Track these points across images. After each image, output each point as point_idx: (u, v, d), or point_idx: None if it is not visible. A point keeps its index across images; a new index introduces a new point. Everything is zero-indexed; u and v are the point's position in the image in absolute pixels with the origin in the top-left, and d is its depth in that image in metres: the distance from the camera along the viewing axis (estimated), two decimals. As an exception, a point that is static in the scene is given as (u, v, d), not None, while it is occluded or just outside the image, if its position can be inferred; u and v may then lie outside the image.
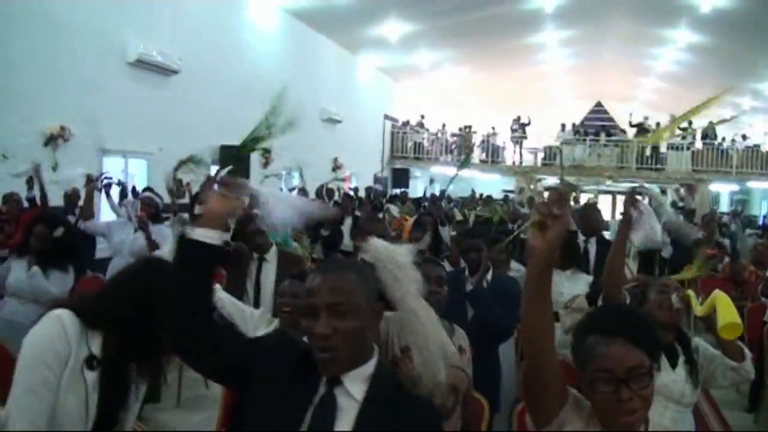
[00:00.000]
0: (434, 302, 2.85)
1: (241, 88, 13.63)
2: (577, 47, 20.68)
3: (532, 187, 22.71)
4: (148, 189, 8.76)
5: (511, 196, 19.56)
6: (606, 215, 29.56)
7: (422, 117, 24.35)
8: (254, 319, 3.50)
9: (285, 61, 15.69)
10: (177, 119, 11.61)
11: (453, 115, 25.61)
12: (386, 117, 23.51)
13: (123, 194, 8.64)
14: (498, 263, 5.14)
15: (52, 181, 7.82)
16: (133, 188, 9.00)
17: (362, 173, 20.81)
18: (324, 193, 12.68)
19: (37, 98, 8.90)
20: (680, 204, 21.02)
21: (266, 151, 14.66)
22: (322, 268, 1.82)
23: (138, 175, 10.95)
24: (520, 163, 23.30)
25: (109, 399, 2.11)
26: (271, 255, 4.58)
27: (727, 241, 12.07)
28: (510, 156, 23.73)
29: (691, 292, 3.00)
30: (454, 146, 24.11)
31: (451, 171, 24.52)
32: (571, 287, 4.81)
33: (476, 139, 23.83)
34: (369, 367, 1.73)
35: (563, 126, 23.26)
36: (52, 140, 9.06)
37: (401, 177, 23.61)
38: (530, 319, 1.77)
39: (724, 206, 24.77)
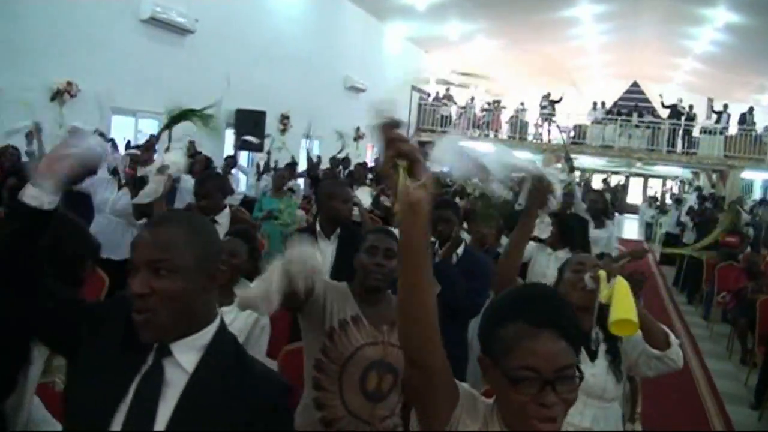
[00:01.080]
0: (380, 276, 2.68)
1: (260, 51, 13.42)
2: (612, 23, 20.03)
3: (559, 166, 22.45)
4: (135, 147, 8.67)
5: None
6: (637, 198, 29.14)
7: (448, 89, 23.92)
8: None
9: (307, 26, 15.42)
10: (191, 80, 11.40)
11: (482, 89, 25.16)
12: (413, 88, 23.13)
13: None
14: (484, 239, 4.90)
15: (58, 136, 7.72)
16: (128, 143, 8.84)
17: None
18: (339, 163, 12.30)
19: (44, 53, 8.79)
20: (711, 190, 20.59)
21: (285, 117, 14.52)
22: (151, 222, 1.61)
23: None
24: (549, 141, 22.84)
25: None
26: (223, 217, 4.40)
27: (751, 231, 11.65)
28: (539, 133, 23.26)
29: (602, 273, 2.58)
30: (482, 121, 23.68)
31: (479, 146, 24.26)
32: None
33: (504, 115, 23.41)
34: (204, 336, 1.53)
35: (594, 104, 22.72)
36: (58, 95, 8.96)
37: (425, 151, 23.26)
38: (411, 296, 1.42)
39: (757, 195, 24.10)
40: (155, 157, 6.13)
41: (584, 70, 26.23)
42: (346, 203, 4.19)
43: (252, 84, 13.05)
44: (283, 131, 14.46)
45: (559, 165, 23.04)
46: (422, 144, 23.47)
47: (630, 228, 23.46)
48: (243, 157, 12.64)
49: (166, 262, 1.47)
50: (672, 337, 2.67)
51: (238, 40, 12.68)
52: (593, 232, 7.03)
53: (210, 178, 4.91)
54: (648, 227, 20.90)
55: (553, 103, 22.44)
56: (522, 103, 23.25)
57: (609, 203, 8.05)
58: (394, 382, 2.66)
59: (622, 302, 2.38)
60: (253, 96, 12.74)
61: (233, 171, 10.11)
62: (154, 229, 1.54)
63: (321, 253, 3.99)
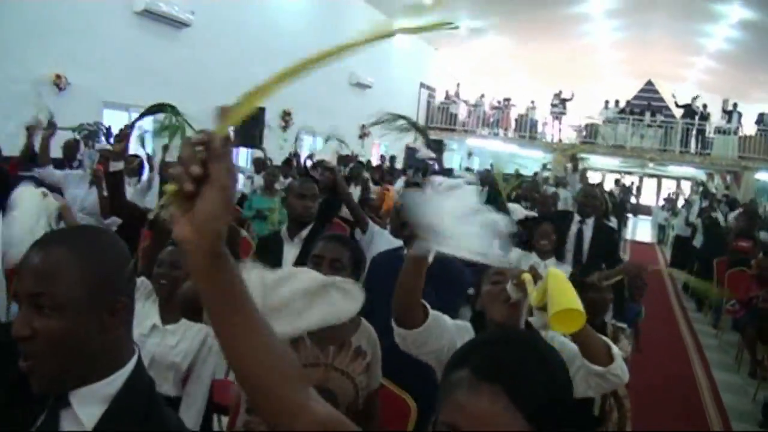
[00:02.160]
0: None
1: (260, 46, 13.11)
2: (624, 19, 19.60)
3: (568, 165, 22.07)
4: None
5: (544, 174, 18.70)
6: (651, 200, 28.70)
7: (458, 86, 23.56)
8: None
9: (310, 21, 15.10)
10: (188, 75, 11.15)
11: (491, 86, 24.78)
12: (422, 85, 22.81)
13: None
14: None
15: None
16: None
17: (393, 142, 20.20)
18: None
19: (31, 44, 8.52)
20: (725, 192, 20.11)
21: (286, 114, 14.24)
22: (35, 243, 1.26)
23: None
24: (559, 140, 22.46)
25: None
26: None
27: (764, 235, 11.22)
28: (549, 132, 22.90)
29: (527, 276, 2.18)
30: (491, 119, 23.33)
31: (489, 144, 24.04)
32: None
33: (514, 113, 23.05)
34: (111, 385, 1.24)
35: (606, 103, 22.30)
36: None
37: (436, 148, 22.93)
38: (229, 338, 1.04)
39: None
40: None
41: (596, 68, 25.79)
42: (301, 199, 3.84)
43: (251, 79, 12.48)
44: (285, 128, 14.19)
45: (569, 165, 22.69)
46: (433, 142, 23.21)
47: (643, 230, 23.05)
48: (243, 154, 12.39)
49: (48, 296, 1.16)
50: (614, 349, 2.24)
51: (236, 34, 12.39)
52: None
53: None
54: (661, 229, 20.48)
55: (564, 101, 22.05)
56: (532, 102, 22.87)
57: (608, 202, 7.68)
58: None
59: (559, 293, 1.99)
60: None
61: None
62: (37, 252, 1.21)
63: (283, 257, 3.72)
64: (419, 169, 15.49)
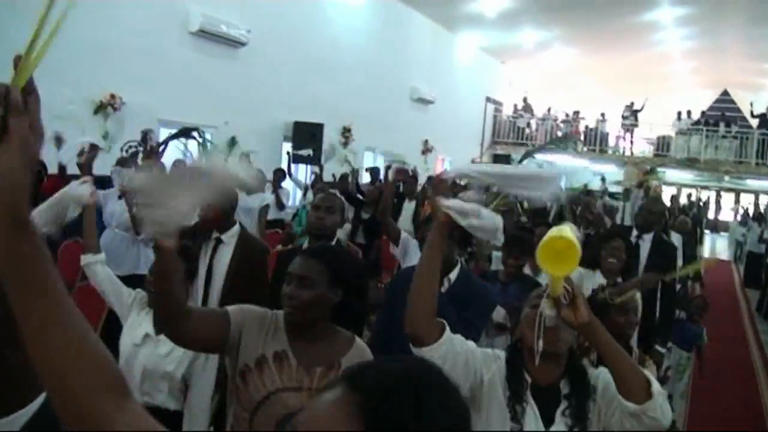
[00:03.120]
0: (290, 309, 2.21)
1: (319, 62, 13.14)
2: (696, 27, 18.82)
3: (643, 179, 21.37)
4: (179, 161, 8.42)
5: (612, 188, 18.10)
6: (728, 215, 27.57)
7: (525, 100, 23.14)
8: (129, 301, 3.07)
9: (370, 36, 15.04)
10: (245, 93, 11.23)
11: (562, 99, 24.28)
12: (488, 99, 22.51)
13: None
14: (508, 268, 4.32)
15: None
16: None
17: (457, 158, 19.97)
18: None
19: (87, 65, 8.69)
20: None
21: (346, 130, 14.18)
22: None
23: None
24: (631, 153, 21.80)
25: None
26: (230, 237, 3.84)
27: None
28: (620, 145, 22.26)
29: (559, 287, 1.90)
30: (560, 132, 22.83)
31: (558, 158, 23.51)
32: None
33: (583, 126, 22.51)
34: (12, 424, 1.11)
35: (679, 114, 21.51)
36: (101, 108, 8.87)
37: (502, 164, 22.58)
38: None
39: None
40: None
41: (669, 79, 24.95)
42: (314, 210, 3.69)
43: (310, 96, 12.79)
44: (345, 144, 14.14)
45: (643, 178, 22.03)
46: (499, 157, 22.87)
47: (720, 247, 22.12)
48: (300, 170, 12.36)
49: None
50: (656, 386, 1.89)
51: (294, 51, 12.41)
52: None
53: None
54: (738, 246, 19.57)
55: (635, 112, 21.39)
56: (602, 114, 22.28)
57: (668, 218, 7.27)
58: None
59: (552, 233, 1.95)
60: (311, 108, 12.48)
61: (283, 185, 9.85)
62: None
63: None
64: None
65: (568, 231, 1.90)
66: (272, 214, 8.99)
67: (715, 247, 23.26)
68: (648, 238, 5.56)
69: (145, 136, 7.60)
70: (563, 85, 25.52)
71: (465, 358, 2.08)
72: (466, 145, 21.00)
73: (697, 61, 23.08)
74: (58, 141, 6.66)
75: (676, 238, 7.71)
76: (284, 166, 11.85)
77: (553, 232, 1.93)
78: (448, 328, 2.09)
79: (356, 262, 2.69)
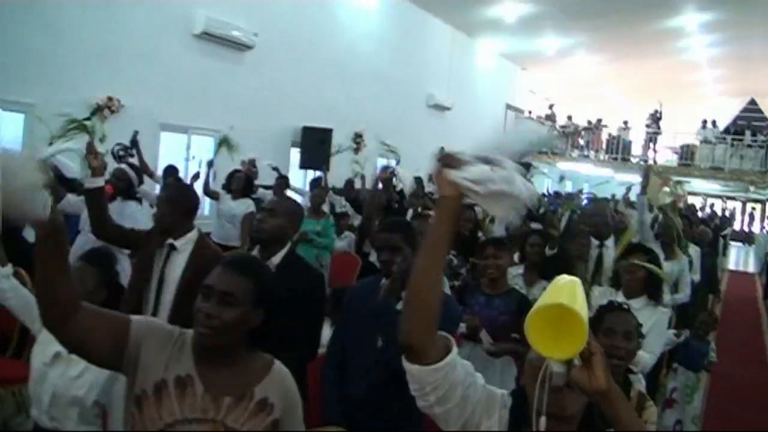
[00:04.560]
0: (206, 330, 1.88)
1: (330, 68, 12.89)
2: (722, 34, 18.29)
3: (666, 189, 20.87)
4: (171, 167, 8.22)
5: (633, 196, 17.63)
6: (756, 227, 26.99)
7: (551, 108, 22.72)
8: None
9: (384, 42, 14.76)
10: (251, 97, 11.00)
11: (584, 107, 23.85)
12: (509, 107, 22.12)
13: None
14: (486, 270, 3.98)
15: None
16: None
17: (476, 165, 19.61)
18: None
19: (83, 67, 8.53)
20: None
21: (358, 136, 13.91)
22: None
23: (205, 153, 10.42)
24: (654, 161, 21.30)
25: None
26: (185, 243, 3.52)
27: None
28: (644, 154, 21.78)
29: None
30: (582, 140, 22.40)
31: (581, 167, 23.06)
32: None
33: (606, 134, 22.08)
34: None
35: (704, 123, 20.97)
36: (98, 111, 8.67)
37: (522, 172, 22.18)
38: None
39: None
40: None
41: (694, 87, 24.40)
42: (260, 211, 3.41)
43: (321, 101, 12.54)
44: (357, 150, 13.86)
45: (666, 189, 21.58)
46: (523, 165, 22.44)
47: (741, 259, 21.54)
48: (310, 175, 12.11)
49: None
50: (650, 409, 1.70)
51: (304, 55, 12.15)
52: (663, 265, 6.05)
53: (172, 188, 4.06)
54: (766, 258, 19.00)
55: (657, 120, 20.92)
56: (625, 122, 21.81)
57: (680, 231, 6.90)
58: None
59: (551, 292, 1.46)
60: (322, 113, 12.22)
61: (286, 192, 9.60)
62: None
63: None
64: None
65: (573, 294, 1.42)
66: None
67: (741, 259, 22.66)
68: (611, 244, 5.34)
69: (135, 137, 7.40)
70: (585, 92, 25.06)
71: (464, 392, 1.64)
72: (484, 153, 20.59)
73: (724, 69, 22.51)
74: None
75: (693, 250, 7.35)
76: (295, 172, 11.70)
77: (552, 295, 1.44)
78: (455, 349, 1.65)
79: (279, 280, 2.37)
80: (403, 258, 2.87)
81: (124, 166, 5.98)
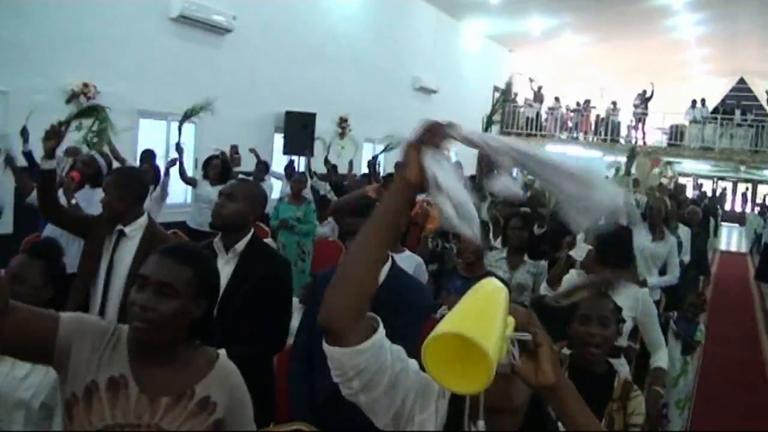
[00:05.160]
0: (142, 323, 1.72)
1: (312, 51, 12.67)
2: (710, 12, 18.11)
3: (657, 170, 20.80)
4: (148, 151, 8.09)
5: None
6: (745, 206, 26.98)
7: (539, 89, 22.52)
8: None
9: (368, 25, 14.52)
10: (232, 82, 10.75)
11: (572, 87, 23.69)
12: (496, 89, 21.92)
13: None
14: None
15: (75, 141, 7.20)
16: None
17: (463, 150, 19.41)
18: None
19: (57, 53, 8.31)
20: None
21: (343, 120, 13.71)
22: None
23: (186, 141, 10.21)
24: (644, 143, 21.18)
25: None
26: (134, 230, 3.38)
27: None
28: (632, 135, 21.65)
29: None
30: (570, 122, 22.24)
31: (569, 149, 22.88)
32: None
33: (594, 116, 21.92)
34: None
35: (693, 102, 20.84)
36: (74, 98, 8.46)
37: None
38: None
39: None
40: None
41: (683, 67, 24.25)
42: (219, 197, 3.16)
43: (304, 85, 12.32)
44: (342, 135, 13.65)
45: (657, 170, 21.41)
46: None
47: (733, 239, 21.52)
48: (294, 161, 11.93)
49: None
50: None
51: (285, 38, 11.92)
52: (650, 247, 5.95)
53: (122, 172, 3.84)
54: (757, 238, 18.97)
55: (646, 101, 20.78)
56: (614, 103, 21.68)
57: (670, 211, 6.79)
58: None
59: (458, 312, 1.21)
60: (305, 98, 12.01)
61: (266, 177, 9.45)
62: None
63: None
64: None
65: (482, 316, 1.19)
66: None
67: (732, 239, 22.64)
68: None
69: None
70: (573, 73, 24.89)
71: (394, 379, 1.43)
72: (472, 137, 20.44)
73: (712, 48, 22.38)
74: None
75: (683, 231, 7.22)
76: (278, 157, 11.52)
77: (457, 319, 1.19)
78: (381, 329, 1.43)
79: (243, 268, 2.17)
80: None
81: (93, 152, 5.77)
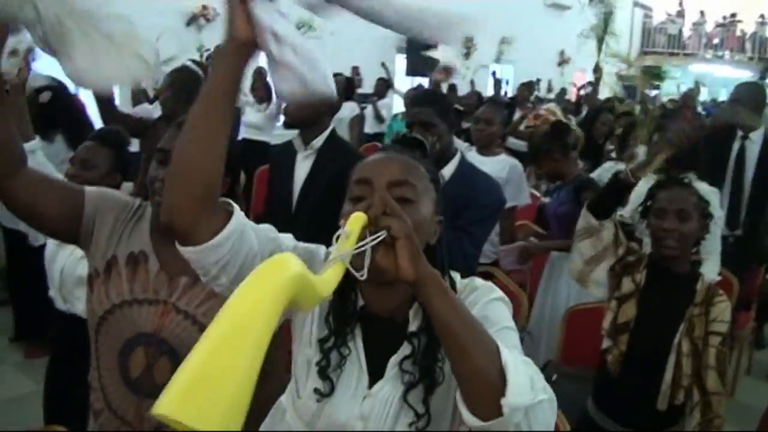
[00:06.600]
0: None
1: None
2: None
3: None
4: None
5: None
6: None
7: (680, 3, 20.94)
8: None
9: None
10: None
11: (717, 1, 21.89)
12: (636, 4, 20.53)
13: None
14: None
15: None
16: None
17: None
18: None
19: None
20: None
21: (468, 40, 13.14)
22: None
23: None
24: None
25: None
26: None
27: None
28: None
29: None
30: (715, 39, 20.60)
31: (716, 69, 21.16)
32: None
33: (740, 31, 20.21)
34: None
35: None
36: (194, 20, 8.47)
37: (652, 77, 20.82)
38: None
39: None
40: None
41: None
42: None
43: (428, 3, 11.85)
44: (467, 55, 13.13)
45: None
46: (649, 69, 20.89)
47: None
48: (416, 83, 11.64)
49: None
50: (514, 394, 0.98)
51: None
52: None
53: (177, 73, 3.67)
54: None
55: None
56: (762, 16, 19.81)
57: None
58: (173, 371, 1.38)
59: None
60: (428, 16, 11.57)
61: (388, 94, 9.29)
62: None
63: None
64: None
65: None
66: (373, 128, 8.65)
67: None
68: (756, 137, 4.31)
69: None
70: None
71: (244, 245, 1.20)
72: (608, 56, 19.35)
73: None
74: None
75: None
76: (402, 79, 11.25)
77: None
78: (237, 211, 1.19)
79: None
80: (438, 136, 2.53)
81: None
